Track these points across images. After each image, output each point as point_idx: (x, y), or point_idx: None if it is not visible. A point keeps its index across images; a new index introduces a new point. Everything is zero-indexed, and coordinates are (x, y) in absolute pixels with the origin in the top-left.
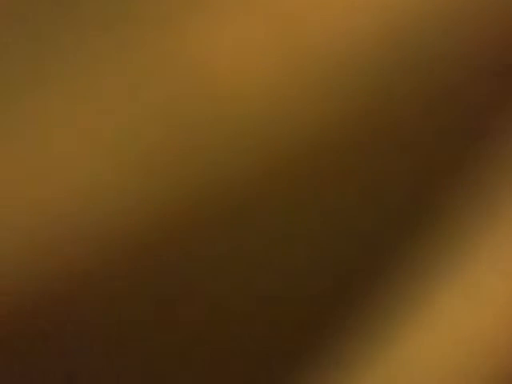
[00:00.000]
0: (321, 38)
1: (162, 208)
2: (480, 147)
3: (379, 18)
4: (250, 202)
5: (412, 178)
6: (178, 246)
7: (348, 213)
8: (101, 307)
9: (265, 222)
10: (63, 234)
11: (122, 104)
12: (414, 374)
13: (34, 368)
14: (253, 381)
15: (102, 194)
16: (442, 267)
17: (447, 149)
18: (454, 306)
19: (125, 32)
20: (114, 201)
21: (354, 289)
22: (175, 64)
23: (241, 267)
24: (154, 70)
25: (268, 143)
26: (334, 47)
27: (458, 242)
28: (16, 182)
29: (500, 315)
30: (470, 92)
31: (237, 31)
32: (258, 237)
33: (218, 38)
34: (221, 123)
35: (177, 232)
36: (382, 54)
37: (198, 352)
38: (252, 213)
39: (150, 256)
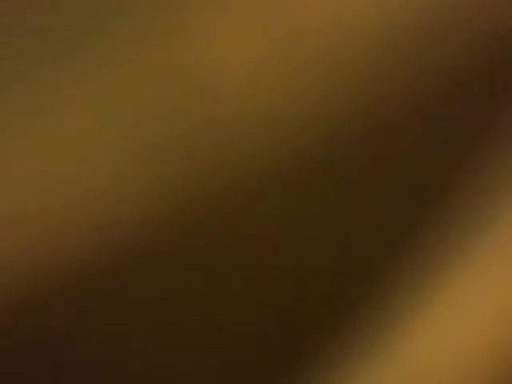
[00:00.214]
0: (324, 38)
1: (162, 207)
2: (480, 146)
3: (379, 17)
4: (251, 201)
5: (416, 174)
6: (177, 247)
7: (353, 208)
8: (101, 305)
9: (266, 222)
10: (63, 233)
11: (122, 104)
12: (414, 373)
13: (33, 364)
14: (253, 381)
15: (102, 193)
16: (445, 263)
17: (447, 148)
18: (456, 303)
19: (125, 32)
20: (114, 201)
21: (354, 289)
22: (175, 64)
23: (240, 268)
24: (154, 70)
25: (269, 142)
26: (335, 47)
27: (461, 237)
28: (16, 181)
29: (503, 311)
30: (470, 92)
31: (238, 31)
32: (258, 236)
33: (220, 37)
34: (222, 123)
35: (177, 231)
36: (382, 53)
37: (197, 351)
38: (252, 213)
39: (151, 252)
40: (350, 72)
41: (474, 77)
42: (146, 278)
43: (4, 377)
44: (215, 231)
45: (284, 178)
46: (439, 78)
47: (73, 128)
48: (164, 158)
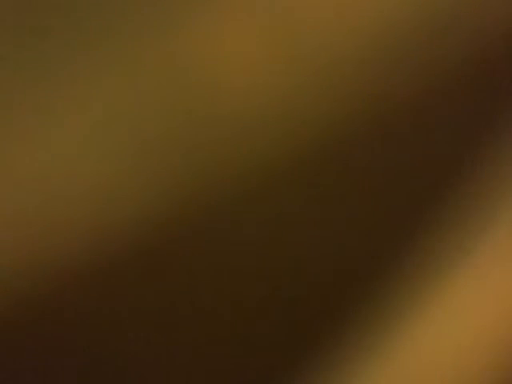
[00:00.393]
0: (325, 38)
1: (161, 205)
2: (480, 146)
3: (379, 16)
4: (250, 198)
5: (416, 174)
6: (177, 246)
7: (352, 208)
8: (100, 304)
9: (265, 221)
10: (62, 232)
11: (122, 104)
12: (414, 373)
13: (33, 364)
14: (253, 381)
15: (102, 192)
16: (445, 264)
17: (447, 147)
18: (456, 303)
19: (125, 32)
20: (114, 199)
21: (354, 289)
22: (175, 64)
23: (240, 267)
24: (153, 69)
25: (269, 140)
26: (334, 45)
27: (461, 237)
28: (15, 181)
29: (504, 311)
30: (469, 91)
31: (239, 31)
32: (258, 237)
33: (221, 37)
34: (221, 120)
35: (177, 230)
36: (381, 52)
37: (197, 351)
38: (252, 212)
39: (150, 250)
40: (350, 70)
41: (474, 76)
42: (146, 277)
43: (3, 376)
44: (215, 229)
45: (283, 175)
46: (439, 76)
47: (73, 128)
48: (163, 156)
